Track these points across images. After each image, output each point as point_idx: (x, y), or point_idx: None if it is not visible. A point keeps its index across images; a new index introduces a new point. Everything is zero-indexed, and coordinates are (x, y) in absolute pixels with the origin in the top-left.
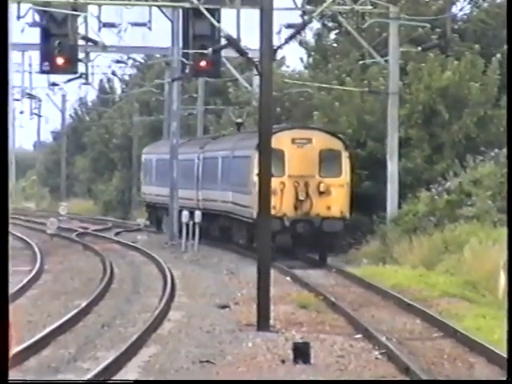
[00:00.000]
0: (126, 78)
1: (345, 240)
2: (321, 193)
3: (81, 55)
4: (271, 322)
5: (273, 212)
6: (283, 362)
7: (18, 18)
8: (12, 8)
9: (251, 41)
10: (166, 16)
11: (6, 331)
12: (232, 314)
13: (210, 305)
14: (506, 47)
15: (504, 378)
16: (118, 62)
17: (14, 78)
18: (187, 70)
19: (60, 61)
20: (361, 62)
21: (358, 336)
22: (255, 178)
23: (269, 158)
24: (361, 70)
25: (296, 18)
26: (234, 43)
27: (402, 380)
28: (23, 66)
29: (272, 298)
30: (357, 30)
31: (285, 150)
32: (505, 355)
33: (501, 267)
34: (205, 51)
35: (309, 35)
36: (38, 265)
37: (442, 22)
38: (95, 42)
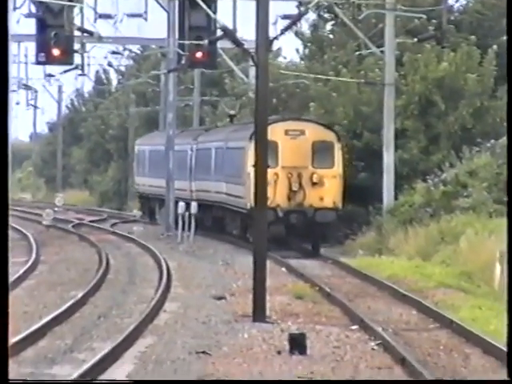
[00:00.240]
0: (122, 69)
1: (340, 231)
2: (314, 184)
3: (77, 46)
4: (267, 312)
5: None
6: (279, 352)
7: (14, 8)
8: None
9: (247, 32)
10: (162, 7)
11: (6, 331)
12: (228, 305)
13: (205, 296)
14: (505, 38)
15: (504, 378)
16: (114, 52)
17: (11, 69)
18: (183, 61)
19: (56, 52)
20: (357, 53)
21: (354, 327)
22: (249, 169)
23: (265, 149)
24: (357, 61)
25: (292, 8)
26: (230, 34)
27: (402, 380)
28: (19, 56)
29: (268, 289)
30: (353, 21)
31: (278, 141)
32: (501, 346)
33: (497, 258)
34: (201, 42)
35: (305, 26)
36: (33, 255)
37: (438, 13)
38: (91, 33)
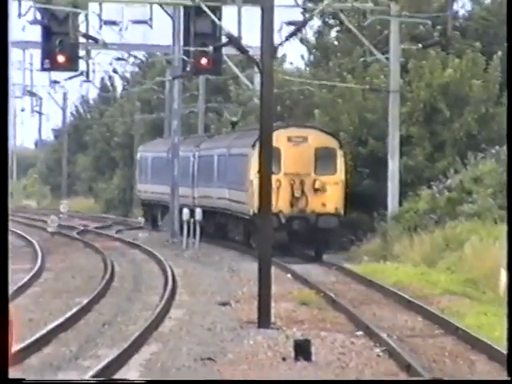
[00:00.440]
0: (127, 75)
1: (344, 237)
2: (316, 190)
3: (82, 53)
4: (272, 319)
5: None
6: (284, 359)
7: (19, 15)
8: (13, 6)
9: (252, 38)
10: (167, 13)
11: (6, 330)
12: (233, 312)
13: (211, 302)
14: (506, 45)
15: (505, 378)
16: (119, 59)
17: (15, 76)
18: (188, 68)
19: (61, 58)
20: (362, 60)
21: (359, 333)
22: (252, 176)
23: (270, 156)
24: (362, 68)
25: (297, 15)
26: (234, 41)
27: (401, 380)
28: (24, 63)
29: (273, 296)
30: (358, 28)
31: (281, 148)
32: (506, 353)
33: (501, 265)
34: (206, 49)
35: (310, 33)
36: (39, 263)
37: (443, 20)
38: (96, 40)
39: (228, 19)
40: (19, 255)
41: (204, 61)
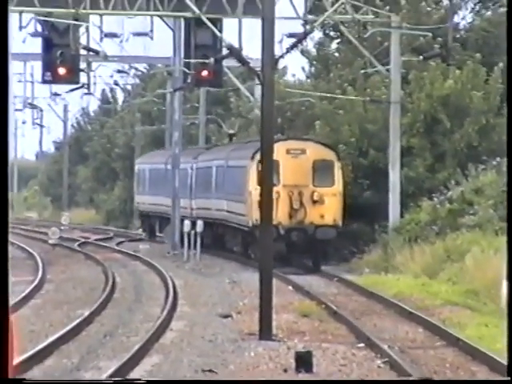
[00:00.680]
0: (128, 87)
1: (346, 248)
2: (314, 202)
3: (82, 65)
4: (273, 331)
5: None
6: (285, 371)
7: (20, 28)
8: (14, 18)
9: (253, 50)
10: (168, 25)
11: (6, 329)
12: (234, 324)
13: (212, 314)
14: (506, 53)
15: (505, 378)
16: (119, 71)
17: (16, 88)
18: (189, 80)
19: (62, 71)
20: (363, 71)
21: (361, 345)
22: (251, 188)
23: (271, 168)
24: (363, 79)
25: (298, 27)
26: (235, 53)
27: (401, 380)
28: (25, 75)
29: (274, 307)
30: (358, 40)
31: (279, 160)
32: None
33: (503, 276)
34: (206, 61)
35: (310, 44)
36: (40, 274)
37: (443, 31)
38: (97, 52)
39: (228, 31)
40: (21, 267)
41: (205, 73)
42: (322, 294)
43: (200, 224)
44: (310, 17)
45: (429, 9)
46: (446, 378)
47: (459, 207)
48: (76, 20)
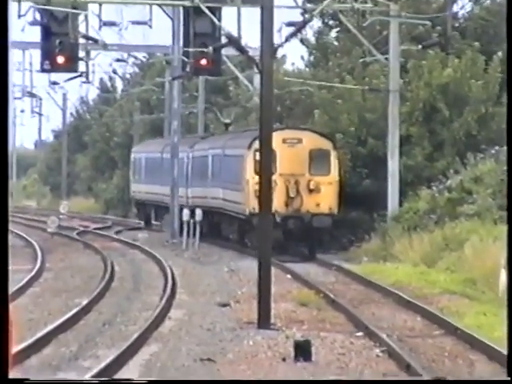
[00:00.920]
0: (127, 76)
1: (344, 237)
2: (311, 190)
3: (81, 54)
4: (272, 319)
5: None
6: (284, 359)
7: (19, 16)
8: (13, 6)
9: (252, 39)
10: (167, 14)
11: (6, 330)
12: (233, 312)
13: (210, 303)
14: (506, 45)
15: (505, 378)
16: (118, 60)
17: (15, 77)
18: (188, 69)
19: (61, 59)
20: (361, 60)
21: (359, 333)
22: (248, 176)
23: (269, 156)
24: (362, 68)
25: (297, 15)
26: (234, 41)
27: (401, 380)
28: (24, 64)
29: (272, 296)
30: (357, 28)
31: (276, 149)
32: (505, 352)
33: (501, 265)
34: (205, 49)
35: (309, 33)
36: (38, 263)
37: (442, 20)
38: (96, 41)
39: (228, 19)
40: (19, 255)
41: (204, 61)
42: (320, 282)
43: (199, 213)
44: (308, 5)
45: None
46: (444, 367)
47: (458, 196)
48: (75, 8)
